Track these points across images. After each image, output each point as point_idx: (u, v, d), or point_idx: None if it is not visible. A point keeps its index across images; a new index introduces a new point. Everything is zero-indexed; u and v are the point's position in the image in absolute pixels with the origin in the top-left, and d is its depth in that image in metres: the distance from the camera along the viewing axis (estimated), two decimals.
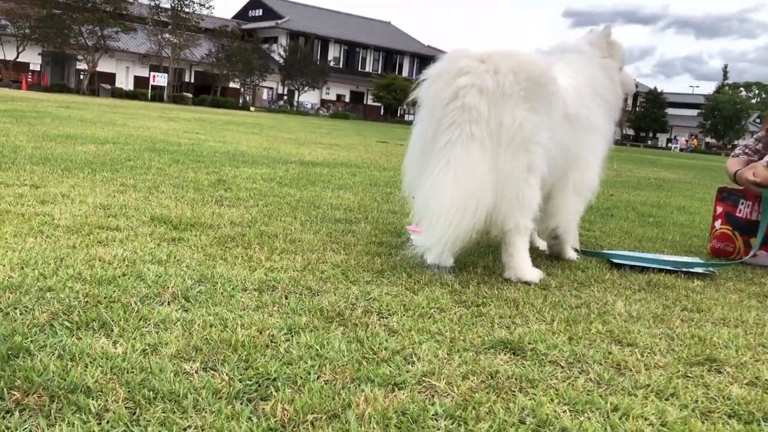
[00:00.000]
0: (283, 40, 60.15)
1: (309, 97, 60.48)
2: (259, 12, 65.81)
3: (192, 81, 56.19)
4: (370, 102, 66.52)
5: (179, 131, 11.16)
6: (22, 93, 28.25)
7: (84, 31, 43.42)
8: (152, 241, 2.81)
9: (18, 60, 44.86)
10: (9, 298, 1.87)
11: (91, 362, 1.51)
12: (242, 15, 67.98)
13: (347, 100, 67.79)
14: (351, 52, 66.93)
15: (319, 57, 61.00)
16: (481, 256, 3.18)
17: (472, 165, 2.52)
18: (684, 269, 3.23)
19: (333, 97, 67.06)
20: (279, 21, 61.60)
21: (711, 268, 3.36)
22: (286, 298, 2.19)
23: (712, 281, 3.21)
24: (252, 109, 49.64)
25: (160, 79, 45.88)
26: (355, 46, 67.08)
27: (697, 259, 3.45)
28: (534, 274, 2.76)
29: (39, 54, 45.95)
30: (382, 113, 63.69)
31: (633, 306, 2.56)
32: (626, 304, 2.56)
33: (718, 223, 3.81)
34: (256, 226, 3.37)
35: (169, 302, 2.02)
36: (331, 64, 62.87)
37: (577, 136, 2.89)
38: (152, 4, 47.18)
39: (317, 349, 1.74)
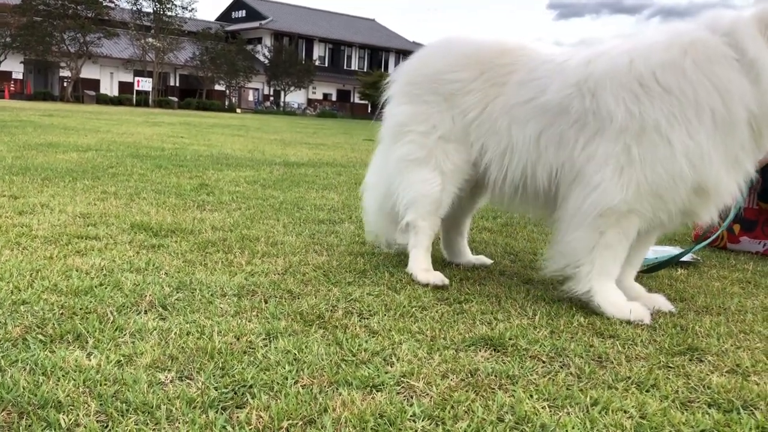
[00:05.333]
0: (268, 41, 59.96)
1: (295, 97, 60.31)
2: (242, 13, 65.52)
3: (177, 85, 55.89)
4: (357, 100, 66.40)
5: (163, 136, 11.09)
6: (4, 102, 28.01)
7: (66, 38, 43.08)
8: (131, 249, 2.78)
9: (0, 69, 44.50)
10: None
11: (63, 376, 1.49)
12: (225, 17, 67.65)
13: (334, 98, 67.68)
14: (336, 51, 66.79)
15: (304, 56, 60.86)
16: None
17: (373, 163, 2.95)
18: (671, 261, 3.22)
19: (320, 97, 66.90)
20: (262, 21, 61.37)
21: (696, 256, 3.36)
22: (266, 303, 2.17)
23: (695, 269, 3.21)
24: (238, 111, 49.46)
25: (145, 84, 45.62)
26: (339, 44, 66.92)
27: (678, 249, 3.45)
28: (425, 277, 2.61)
29: (21, 62, 45.58)
30: (369, 111, 63.65)
31: None
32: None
33: None
34: (237, 230, 3.35)
35: (146, 311, 2.00)
36: (317, 63, 62.72)
37: (567, 134, 2.33)
38: (134, 8, 46.86)
39: (295, 354, 1.72)
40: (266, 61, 55.61)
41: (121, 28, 45.69)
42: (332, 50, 66.43)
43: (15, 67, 46.04)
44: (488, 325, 2.13)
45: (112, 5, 44.61)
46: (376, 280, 2.59)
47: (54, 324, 1.81)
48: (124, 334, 1.78)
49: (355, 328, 1.98)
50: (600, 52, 2.37)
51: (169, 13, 47.73)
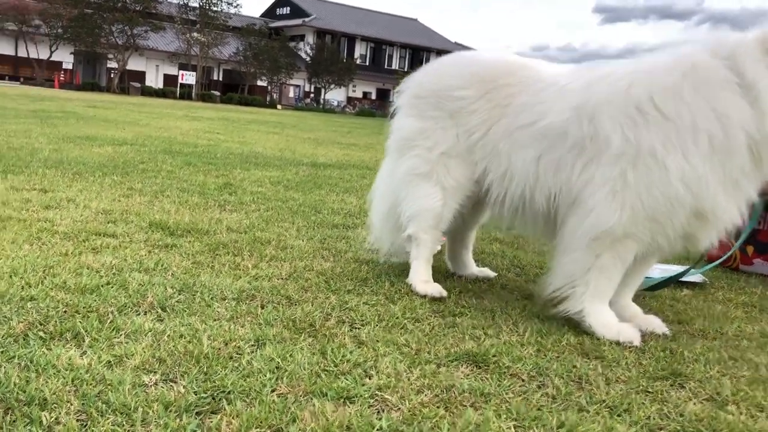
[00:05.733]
0: (310, 38, 60.43)
1: (335, 95, 60.69)
2: (286, 10, 66.17)
3: (220, 79, 56.76)
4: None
5: (200, 131, 11.32)
6: (53, 92, 28.80)
7: (114, 30, 44.09)
8: (144, 248, 2.89)
9: (51, 59, 45.77)
10: None
11: (55, 373, 1.58)
12: (270, 13, 68.42)
13: (373, 97, 67.87)
14: (377, 50, 66.98)
15: (345, 55, 61.19)
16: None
17: (380, 172, 3.05)
18: (678, 279, 3.21)
19: (359, 95, 67.19)
20: (306, 19, 61.90)
21: (705, 277, 3.34)
22: (263, 308, 2.25)
23: (701, 290, 3.20)
24: (279, 107, 49.96)
25: (189, 78, 46.44)
26: (381, 43, 67.10)
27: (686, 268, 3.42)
28: (424, 289, 2.66)
29: (71, 53, 46.81)
30: None
31: None
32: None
33: None
34: (251, 233, 3.44)
35: (146, 312, 2.09)
36: (358, 61, 62.99)
37: (565, 158, 2.35)
38: (181, 3, 47.70)
39: (278, 362, 1.79)
40: (308, 59, 56.06)
41: (167, 21, 46.59)
42: (374, 49, 66.64)
43: (65, 57, 47.32)
44: (476, 340, 2.17)
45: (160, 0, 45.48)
46: (375, 289, 2.65)
47: (56, 321, 1.91)
48: (120, 335, 1.88)
49: (344, 338, 2.05)
50: (601, 75, 2.39)
51: (215, 9, 48.43)
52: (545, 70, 2.59)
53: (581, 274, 2.35)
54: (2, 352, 1.68)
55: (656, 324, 2.48)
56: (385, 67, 67.87)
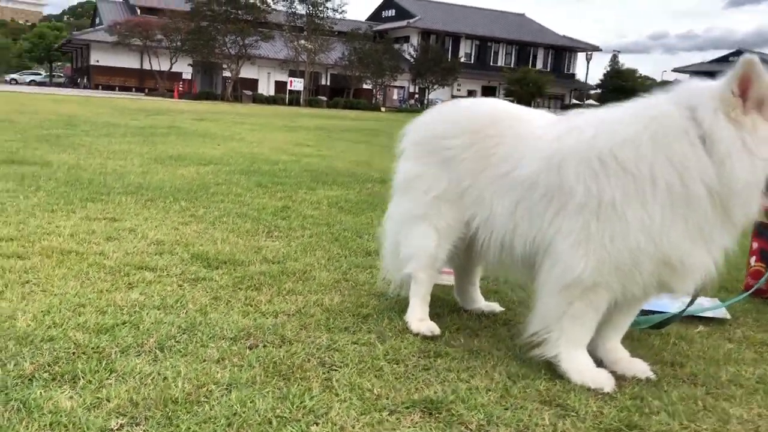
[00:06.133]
0: (415, 40, 60.88)
1: (440, 95, 60.72)
2: (391, 12, 66.99)
3: (328, 84, 58.34)
4: (502, 97, 65.61)
5: (290, 144, 11.82)
6: (170, 103, 30.70)
7: (227, 41, 46.37)
8: (175, 283, 3.19)
9: (172, 70, 48.83)
10: (12, 348, 2.29)
11: (38, 416, 1.86)
12: (375, 16, 69.55)
13: (479, 95, 67.28)
14: (483, 47, 66.48)
15: (450, 54, 61.17)
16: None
17: (388, 211, 3.11)
18: (699, 313, 3.14)
19: (464, 93, 66.81)
20: (410, 20, 62.43)
21: (725, 313, 3.24)
22: (251, 349, 2.47)
23: (719, 326, 3.12)
24: (383, 109, 50.70)
25: (297, 84, 48.12)
26: (486, 40, 66.55)
27: (710, 301, 3.33)
28: (417, 327, 2.79)
29: (189, 65, 49.69)
30: None
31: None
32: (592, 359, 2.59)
33: (752, 260, 3.65)
34: (283, 263, 3.69)
35: (145, 353, 2.36)
36: (462, 59, 62.83)
37: (537, 207, 2.42)
38: (289, 11, 49.44)
39: (237, 408, 1.99)
40: (412, 60, 56.51)
41: (276, 29, 48.43)
42: (479, 47, 66.19)
43: (184, 68, 50.31)
44: (443, 384, 2.29)
45: (269, 9, 47.33)
46: (372, 326, 2.81)
47: (63, 363, 2.21)
48: (111, 377, 2.14)
49: (313, 382, 2.22)
50: (572, 126, 2.45)
51: (321, 15, 49.82)
52: (530, 120, 2.66)
53: (555, 320, 2.41)
54: (6, 394, 1.98)
55: (640, 368, 2.49)
56: (491, 64, 67.22)
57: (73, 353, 2.30)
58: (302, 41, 49.44)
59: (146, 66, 51.47)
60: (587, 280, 2.29)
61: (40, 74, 64.48)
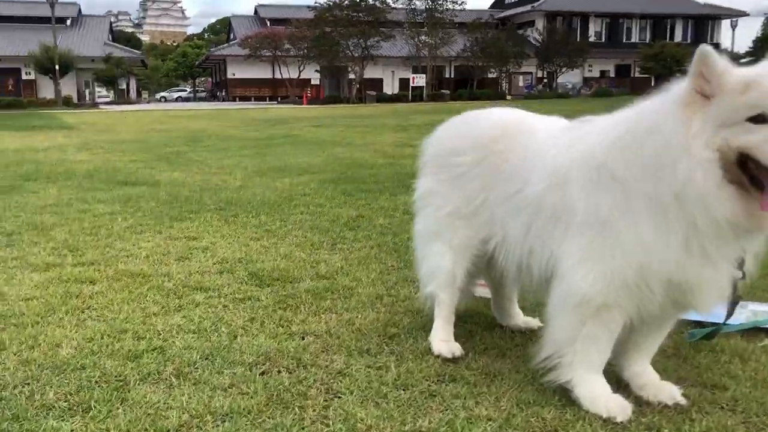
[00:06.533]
0: (540, 23, 59.11)
1: (569, 77, 58.63)
2: None
3: (452, 76, 58.08)
4: (638, 74, 62.35)
5: (394, 145, 11.92)
6: (296, 110, 31.92)
7: (350, 44, 47.46)
8: (221, 304, 3.32)
9: (300, 77, 50.73)
10: (45, 377, 2.49)
11: None
12: (499, 4, 68.30)
13: (612, 75, 64.34)
14: (614, 24, 63.28)
15: (579, 34, 58.86)
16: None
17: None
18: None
19: (596, 74, 64.12)
20: (535, 4, 60.69)
21: None
22: (263, 375, 2.52)
23: None
24: (508, 97, 49.75)
25: (419, 80, 48.35)
26: (618, 17, 63.27)
27: None
28: (438, 348, 2.72)
29: (316, 70, 51.37)
30: (652, 85, 59.33)
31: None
32: (616, 382, 2.41)
33: None
34: (333, 278, 3.74)
35: (162, 380, 2.48)
36: (592, 39, 60.25)
37: (546, 228, 2.30)
38: (408, 8, 49.73)
39: None
40: (537, 44, 54.97)
41: (397, 28, 48.90)
42: (609, 24, 63.09)
43: (312, 74, 52.09)
44: (443, 413, 2.23)
45: (389, 9, 47.88)
46: (395, 348, 2.78)
47: (83, 393, 2.38)
48: (120, 407, 2.28)
49: (309, 412, 2.24)
50: (578, 135, 2.29)
51: (441, 8, 49.68)
52: (539, 131, 2.51)
53: (569, 343, 2.26)
54: (21, 424, 2.16)
55: (668, 394, 2.29)
56: (624, 41, 63.92)
57: (96, 382, 2.46)
58: (423, 36, 49.58)
59: (277, 75, 53.81)
60: (596, 299, 2.14)
61: (185, 90, 69.32)
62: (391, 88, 54.92)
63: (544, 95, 51.92)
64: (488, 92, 50.01)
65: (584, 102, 38.37)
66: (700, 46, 1.91)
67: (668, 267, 1.99)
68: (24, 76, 44.23)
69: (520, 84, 56.10)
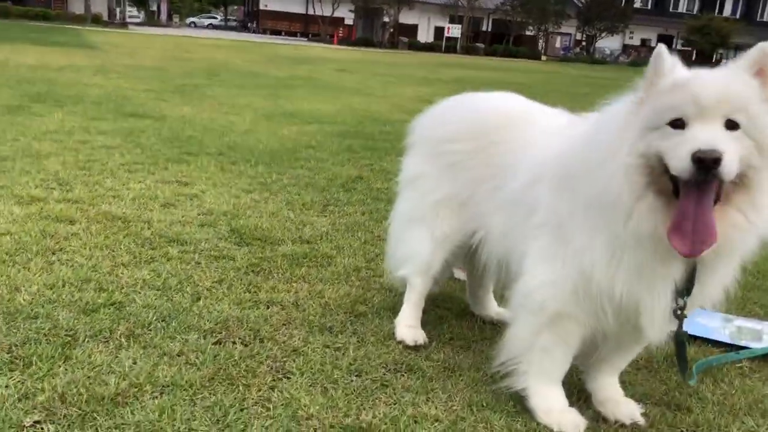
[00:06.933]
0: None
1: (609, 43, 57.13)
2: None
3: (489, 29, 56.76)
4: (679, 47, 60.56)
5: (415, 100, 11.65)
6: (324, 50, 31.43)
7: None
8: (193, 261, 3.24)
9: (334, 16, 49.79)
10: None
11: None
12: None
13: (653, 44, 62.43)
14: None
15: None
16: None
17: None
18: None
19: (636, 42, 62.41)
20: None
21: None
22: (218, 344, 2.45)
23: None
24: (543, 58, 48.66)
25: (454, 31, 47.23)
26: None
27: None
28: (402, 333, 2.63)
29: (350, 10, 50.35)
30: (693, 59, 57.66)
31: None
32: (576, 392, 2.32)
33: None
34: (315, 243, 3.64)
35: (112, 340, 2.42)
36: (638, 5, 58.45)
37: (520, 226, 2.21)
38: None
39: (154, 416, 1.99)
40: (580, 5, 53.37)
41: None
42: None
43: (346, 13, 51.09)
44: (391, 407, 2.15)
45: None
46: (357, 328, 2.70)
47: (30, 345, 2.31)
48: (61, 366, 2.21)
49: (253, 392, 2.17)
50: (567, 133, 2.14)
51: None
52: (539, 123, 2.35)
53: (525, 352, 2.17)
54: None
55: (626, 412, 2.20)
56: (671, 10, 61.96)
57: (45, 335, 2.40)
58: None
59: (310, 11, 52.89)
60: (549, 306, 2.05)
61: (215, 18, 68.38)
62: (425, 35, 53.85)
63: (580, 59, 50.73)
64: (524, 50, 48.87)
65: (619, 70, 37.45)
66: (657, 46, 1.77)
67: (602, 279, 1.89)
68: None
69: (557, 45, 54.71)
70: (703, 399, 2.38)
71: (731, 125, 1.67)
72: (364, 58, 26.97)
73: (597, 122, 1.97)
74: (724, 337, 2.78)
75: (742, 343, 2.74)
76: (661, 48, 1.76)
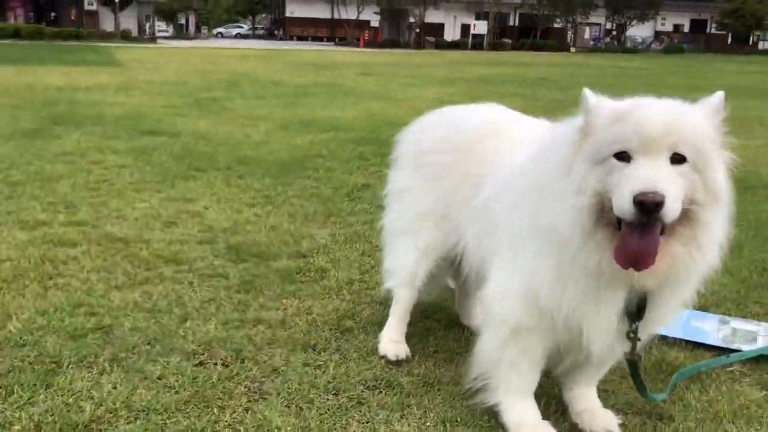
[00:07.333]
0: None
1: (640, 31, 56.14)
2: None
3: (517, 24, 56.33)
4: (713, 31, 59.28)
5: (436, 101, 11.56)
6: (349, 54, 31.52)
7: None
8: (186, 281, 3.27)
9: (359, 18, 49.95)
10: None
11: None
12: None
13: (686, 30, 61.29)
14: None
15: None
16: None
17: None
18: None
19: (669, 28, 61.20)
20: None
21: None
22: (200, 366, 2.48)
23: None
24: (572, 49, 48.06)
25: (480, 27, 47.02)
26: None
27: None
28: (384, 348, 2.63)
29: (375, 12, 50.46)
30: (728, 43, 56.28)
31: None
32: (554, 404, 2.28)
33: None
34: (314, 257, 3.65)
35: (95, 366, 2.46)
36: None
37: (485, 235, 2.23)
38: None
39: None
40: None
41: None
42: None
43: (371, 16, 51.22)
44: (363, 425, 2.15)
45: None
46: (341, 344, 2.70)
47: (14, 374, 2.36)
48: (42, 394, 2.25)
49: (227, 414, 2.19)
50: (527, 150, 2.13)
51: None
52: (518, 134, 2.34)
53: (493, 367, 2.16)
54: None
55: (603, 424, 2.16)
56: None
57: (30, 363, 2.46)
58: None
59: (336, 15, 53.13)
60: (509, 319, 2.05)
61: (242, 27, 69.13)
62: (452, 33, 53.67)
63: (610, 49, 49.99)
64: (552, 43, 48.37)
65: (650, 58, 36.84)
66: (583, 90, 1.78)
67: (549, 298, 1.90)
68: (86, 7, 44.77)
69: (586, 36, 54.00)
70: (688, 406, 2.32)
71: (677, 159, 1.64)
72: (389, 60, 26.98)
73: (547, 145, 1.96)
74: (716, 340, 2.71)
75: (735, 346, 2.67)
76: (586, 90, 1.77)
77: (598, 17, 53.84)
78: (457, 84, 15.79)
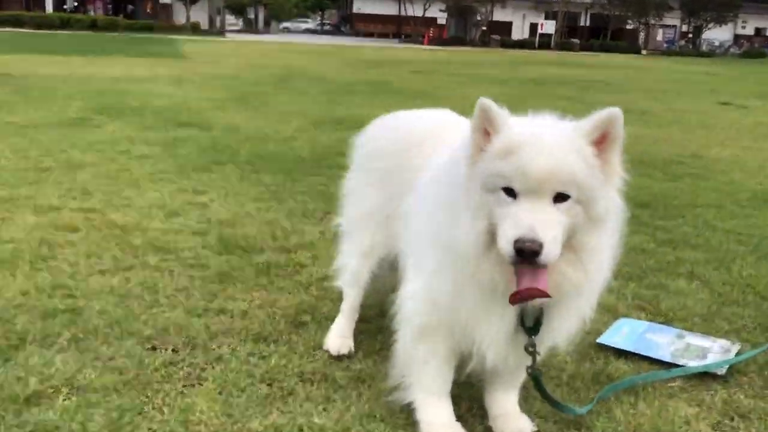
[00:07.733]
0: None
1: (718, 34, 54.06)
2: None
3: (587, 24, 55.14)
4: None
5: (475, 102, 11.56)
6: (411, 51, 31.55)
7: None
8: (167, 269, 3.43)
9: (426, 16, 49.93)
10: None
11: None
12: None
13: None
14: None
15: None
16: None
17: None
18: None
19: (750, 32, 58.71)
20: None
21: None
22: (151, 350, 2.62)
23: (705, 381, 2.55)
24: (644, 52, 46.73)
25: (548, 27, 46.28)
26: None
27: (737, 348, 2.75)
28: (329, 343, 2.72)
29: (441, 10, 50.32)
30: None
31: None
32: (476, 407, 2.32)
33: None
34: (294, 252, 3.77)
35: (56, 345, 2.63)
36: None
37: (406, 236, 2.31)
38: None
39: (55, 417, 2.17)
40: None
41: None
42: None
43: (438, 13, 51.10)
44: (285, 415, 2.25)
45: None
46: (292, 337, 2.80)
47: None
48: (3, 363, 2.46)
49: (158, 399, 2.31)
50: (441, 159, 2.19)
51: None
52: (451, 142, 2.38)
53: (408, 365, 2.23)
54: None
55: (516, 428, 2.20)
56: None
57: (4, 337, 2.66)
58: None
59: (403, 12, 53.25)
60: (414, 319, 2.13)
61: (307, 22, 70.01)
62: (520, 32, 52.98)
63: (685, 52, 48.28)
64: (622, 44, 47.18)
65: (725, 63, 35.50)
66: (479, 99, 1.76)
67: (447, 305, 1.97)
68: (162, 0, 46.39)
69: (659, 38, 52.38)
70: (612, 418, 2.31)
71: (560, 198, 1.68)
72: (448, 58, 26.91)
73: (448, 161, 2.01)
74: (663, 355, 2.68)
75: (681, 362, 2.63)
76: (486, 103, 1.75)
77: (674, 19, 52.17)
78: (509, 84, 15.65)
